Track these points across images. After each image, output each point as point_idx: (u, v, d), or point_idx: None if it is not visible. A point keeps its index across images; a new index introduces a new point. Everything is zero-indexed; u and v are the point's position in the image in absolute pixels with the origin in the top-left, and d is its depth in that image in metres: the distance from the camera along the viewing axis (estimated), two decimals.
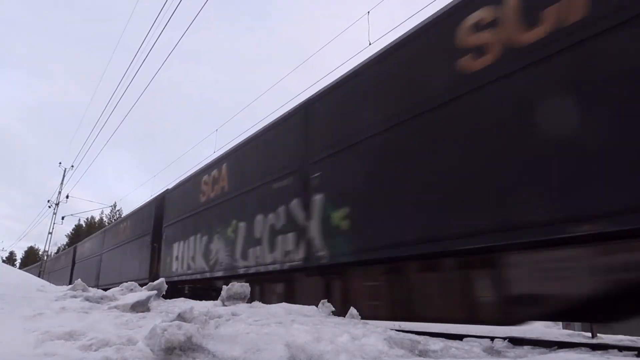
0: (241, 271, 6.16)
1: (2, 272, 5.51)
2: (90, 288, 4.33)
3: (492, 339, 3.56)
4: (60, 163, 26.62)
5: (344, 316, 3.71)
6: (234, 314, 3.20)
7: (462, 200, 3.35)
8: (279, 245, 5.50)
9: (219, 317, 3.04)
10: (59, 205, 24.70)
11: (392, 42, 4.42)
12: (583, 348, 3.09)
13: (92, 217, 49.27)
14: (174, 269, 8.51)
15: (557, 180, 2.79)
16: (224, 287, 4.14)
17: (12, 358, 2.03)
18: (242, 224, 6.44)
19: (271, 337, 2.52)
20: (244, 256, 6.20)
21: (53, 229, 24.23)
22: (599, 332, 5.34)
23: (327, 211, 4.76)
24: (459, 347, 2.87)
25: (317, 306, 3.93)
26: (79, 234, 45.22)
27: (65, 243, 47.49)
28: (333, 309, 3.88)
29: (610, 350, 3.06)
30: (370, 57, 4.69)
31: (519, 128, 3.05)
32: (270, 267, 5.58)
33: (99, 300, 3.82)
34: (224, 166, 7.30)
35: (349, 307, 3.81)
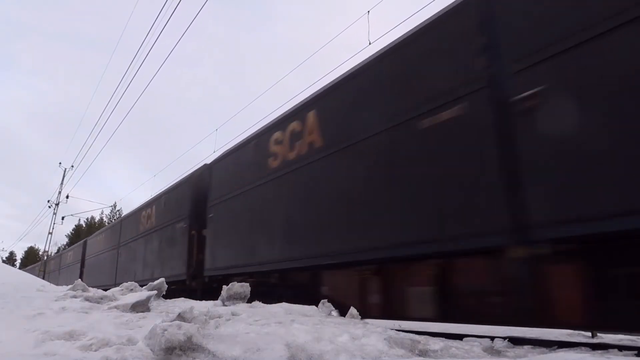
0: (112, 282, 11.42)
1: (2, 272, 5.51)
2: (90, 288, 4.33)
3: (492, 338, 3.56)
4: (60, 163, 26.62)
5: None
6: (234, 314, 3.20)
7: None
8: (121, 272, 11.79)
9: (219, 317, 3.04)
10: (59, 205, 24.72)
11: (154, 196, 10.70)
12: (583, 348, 3.09)
13: (92, 217, 49.32)
14: (90, 280, 14.46)
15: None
16: (224, 287, 4.15)
17: (12, 358, 2.03)
18: (112, 262, 13.03)
19: (271, 336, 2.52)
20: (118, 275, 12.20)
21: (53, 229, 24.25)
22: (599, 332, 5.33)
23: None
24: (459, 347, 2.87)
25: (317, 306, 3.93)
26: (79, 234, 45.23)
27: (65, 243, 47.50)
28: (333, 308, 3.88)
29: (610, 350, 3.06)
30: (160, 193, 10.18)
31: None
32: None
33: (99, 300, 3.82)
34: (102, 235, 14.91)
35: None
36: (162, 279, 4.57)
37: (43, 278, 22.45)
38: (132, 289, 4.31)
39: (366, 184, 4.04)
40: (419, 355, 2.59)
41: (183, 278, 7.77)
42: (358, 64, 4.62)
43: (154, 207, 10.07)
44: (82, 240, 18.70)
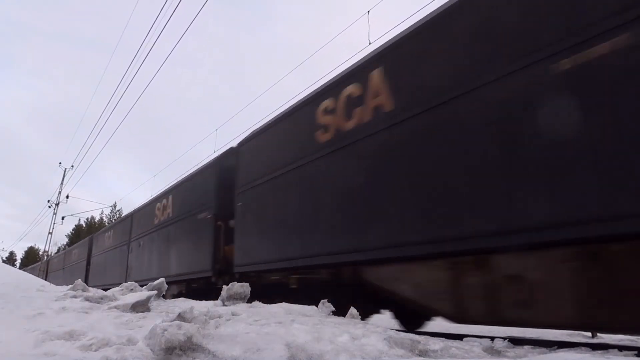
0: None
1: (2, 272, 5.51)
2: (90, 288, 4.33)
3: (492, 338, 3.56)
4: (60, 163, 26.62)
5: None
6: (234, 314, 3.21)
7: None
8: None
9: (219, 317, 3.05)
10: (59, 205, 24.71)
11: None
12: (583, 348, 3.09)
13: (92, 217, 49.27)
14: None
15: None
16: (224, 287, 4.14)
17: (12, 358, 2.03)
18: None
19: (271, 336, 2.52)
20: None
21: (53, 229, 24.25)
22: (599, 332, 5.33)
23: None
24: (459, 347, 2.87)
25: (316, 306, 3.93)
26: (79, 234, 45.23)
27: (65, 243, 47.49)
28: (333, 308, 3.88)
29: (610, 350, 3.06)
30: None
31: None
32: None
33: (99, 300, 3.82)
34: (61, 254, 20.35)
35: None
36: (162, 279, 4.56)
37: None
38: (132, 289, 4.31)
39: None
40: (419, 355, 2.59)
41: None
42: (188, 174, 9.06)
43: None
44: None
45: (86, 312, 3.27)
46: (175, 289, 8.91)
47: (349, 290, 4.76)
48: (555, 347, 3.26)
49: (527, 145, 2.89)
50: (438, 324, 4.86)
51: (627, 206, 2.39)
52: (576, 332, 6.30)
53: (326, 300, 3.96)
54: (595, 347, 3.24)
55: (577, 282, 2.83)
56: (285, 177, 5.53)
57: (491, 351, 2.96)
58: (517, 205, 2.90)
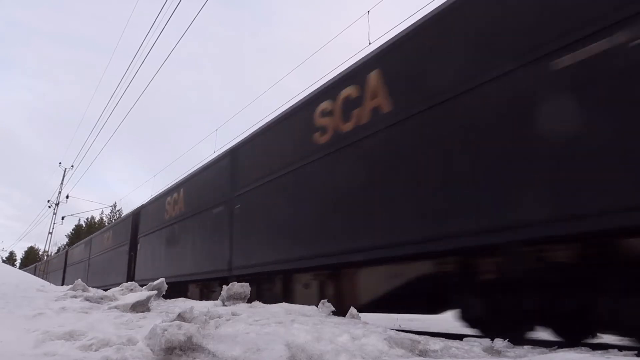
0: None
1: (2, 272, 5.51)
2: (90, 288, 4.33)
3: (492, 338, 3.55)
4: (60, 163, 26.64)
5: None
6: (234, 314, 3.21)
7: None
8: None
9: (219, 317, 3.05)
10: (59, 205, 24.72)
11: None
12: (583, 348, 3.09)
13: (92, 217, 49.30)
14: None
15: None
16: (224, 287, 4.15)
17: (12, 358, 2.03)
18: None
19: (271, 336, 2.52)
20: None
21: (53, 229, 24.26)
22: (599, 332, 5.31)
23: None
24: (459, 347, 2.87)
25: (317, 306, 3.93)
26: (79, 234, 45.23)
27: (65, 243, 47.48)
28: (333, 308, 3.88)
29: (610, 350, 3.05)
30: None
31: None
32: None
33: (99, 300, 3.82)
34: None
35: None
36: (162, 279, 4.56)
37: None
38: (132, 289, 4.31)
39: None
40: (419, 355, 2.59)
41: None
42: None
43: None
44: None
45: (86, 312, 3.27)
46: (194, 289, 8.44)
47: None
48: (555, 347, 3.25)
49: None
50: (438, 323, 4.86)
51: None
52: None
53: (326, 300, 3.96)
54: (595, 347, 3.23)
55: None
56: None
57: (491, 351, 2.96)
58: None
